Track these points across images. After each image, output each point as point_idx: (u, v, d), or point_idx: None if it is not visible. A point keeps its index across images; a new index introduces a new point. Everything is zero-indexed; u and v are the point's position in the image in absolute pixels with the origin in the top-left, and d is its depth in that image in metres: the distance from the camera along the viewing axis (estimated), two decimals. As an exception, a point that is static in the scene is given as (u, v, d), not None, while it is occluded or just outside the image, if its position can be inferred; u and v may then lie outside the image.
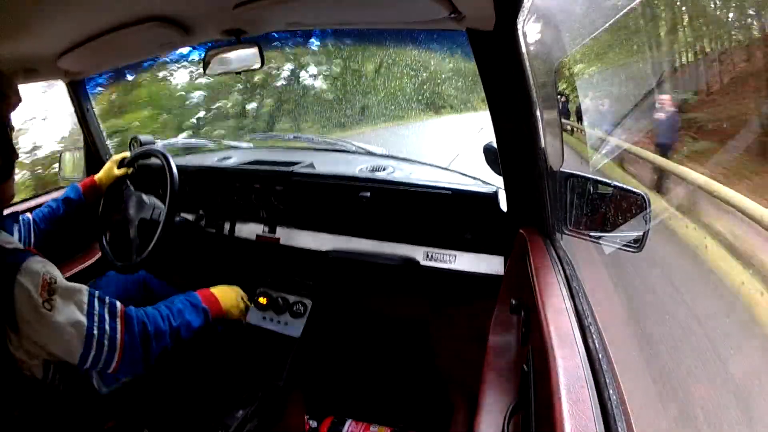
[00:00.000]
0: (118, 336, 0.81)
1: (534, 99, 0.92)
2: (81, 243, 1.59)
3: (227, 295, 1.09)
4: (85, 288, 0.81)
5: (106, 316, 0.81)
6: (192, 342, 1.24)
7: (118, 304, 0.84)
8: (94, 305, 0.80)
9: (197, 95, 4.58)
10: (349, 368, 1.52)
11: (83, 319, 0.77)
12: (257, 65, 1.14)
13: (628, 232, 0.89)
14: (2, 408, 0.79)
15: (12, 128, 0.82)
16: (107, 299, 0.83)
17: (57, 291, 0.76)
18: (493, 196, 1.19)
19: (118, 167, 1.31)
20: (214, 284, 1.27)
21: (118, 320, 0.82)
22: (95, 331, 0.78)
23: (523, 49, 0.87)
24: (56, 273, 0.78)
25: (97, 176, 1.28)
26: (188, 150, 1.89)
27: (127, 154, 1.34)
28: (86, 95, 1.57)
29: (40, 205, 1.37)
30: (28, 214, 1.16)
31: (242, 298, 1.17)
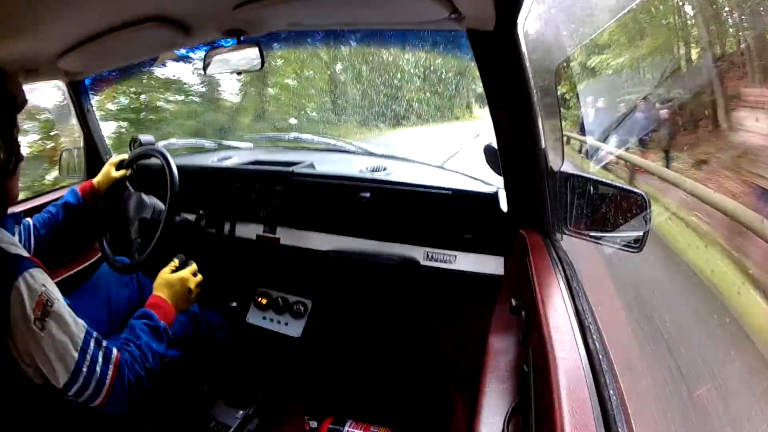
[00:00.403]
0: (108, 381, 0.78)
1: (534, 99, 0.92)
2: (81, 243, 1.59)
3: (173, 291, 1.02)
4: (83, 324, 0.80)
5: (100, 359, 0.78)
6: (193, 343, 1.23)
7: (115, 350, 0.82)
8: (89, 344, 0.78)
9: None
10: (349, 368, 1.52)
11: (75, 354, 0.75)
12: (257, 66, 1.14)
13: (629, 232, 0.89)
14: (2, 408, 0.79)
15: (18, 129, 0.83)
16: (104, 343, 0.81)
17: (51, 315, 0.74)
18: (493, 197, 1.19)
19: (117, 169, 1.30)
20: (214, 284, 1.26)
21: (111, 366, 0.79)
22: (84, 369, 0.76)
23: (524, 50, 0.87)
24: (55, 295, 0.76)
25: (96, 179, 1.28)
26: (188, 150, 1.89)
27: (126, 156, 1.34)
28: (86, 95, 1.57)
29: (39, 207, 1.37)
30: (29, 219, 1.16)
31: (183, 281, 1.05)
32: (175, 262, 1.10)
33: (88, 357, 0.77)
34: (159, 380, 0.92)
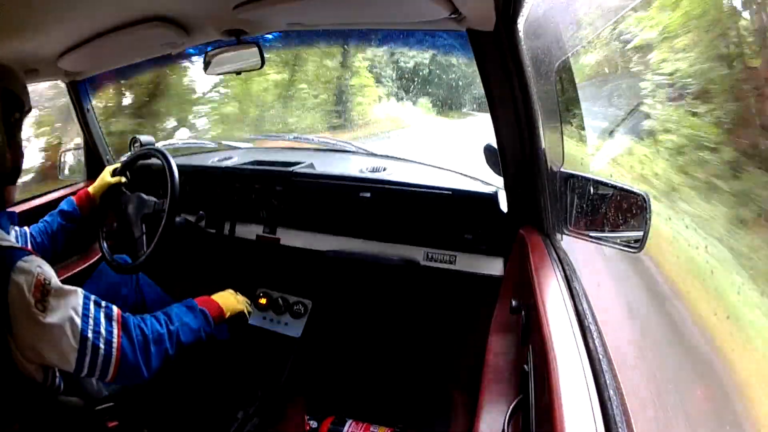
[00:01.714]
0: (115, 340, 0.78)
1: (534, 99, 0.92)
2: (80, 244, 1.59)
3: (224, 296, 1.07)
4: (80, 290, 0.79)
5: (102, 319, 0.78)
6: (194, 345, 1.23)
7: (115, 307, 0.82)
8: (89, 307, 0.78)
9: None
10: (349, 368, 1.52)
11: (78, 320, 0.75)
12: (257, 65, 1.14)
13: (629, 232, 0.89)
14: (2, 409, 0.79)
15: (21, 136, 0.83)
16: (103, 303, 0.81)
17: (50, 292, 0.74)
18: (494, 197, 1.19)
19: (112, 176, 1.30)
20: (214, 284, 1.26)
21: (115, 324, 0.79)
22: (90, 334, 0.76)
23: (524, 50, 0.87)
24: (51, 274, 0.76)
25: (91, 187, 1.28)
26: (188, 150, 1.90)
27: (118, 164, 1.33)
28: (86, 95, 1.57)
29: (37, 207, 1.37)
30: (26, 228, 1.16)
31: (238, 296, 1.13)
32: None
33: (91, 321, 0.77)
34: (159, 380, 0.91)
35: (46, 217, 1.21)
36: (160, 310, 0.91)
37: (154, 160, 1.28)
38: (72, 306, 0.76)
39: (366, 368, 1.52)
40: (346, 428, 1.31)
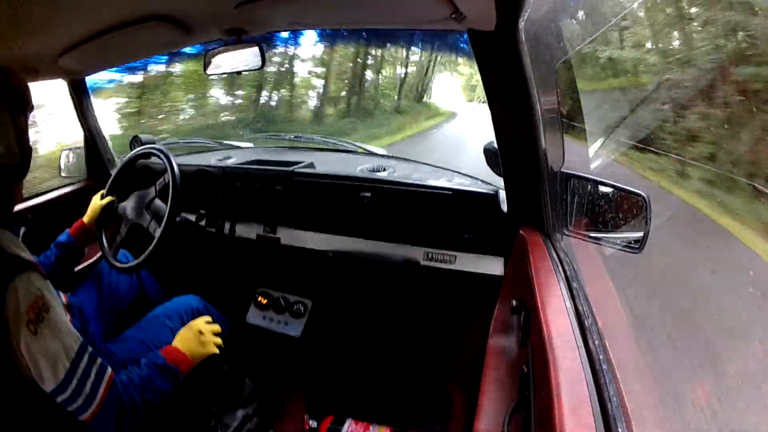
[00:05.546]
0: (98, 398, 0.77)
1: (534, 99, 0.92)
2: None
3: (188, 341, 1.01)
4: (78, 336, 0.78)
5: (92, 374, 0.77)
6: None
7: (109, 369, 0.80)
8: (82, 357, 0.76)
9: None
10: (349, 368, 1.52)
11: (66, 363, 0.74)
12: (258, 65, 1.14)
13: (629, 232, 0.89)
14: (2, 407, 0.79)
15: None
16: (99, 360, 0.79)
17: (45, 321, 0.73)
18: (494, 197, 1.19)
19: (101, 199, 1.30)
20: (214, 284, 1.26)
21: (104, 384, 0.78)
22: (74, 381, 0.75)
23: (524, 50, 0.87)
24: (53, 302, 0.75)
25: (85, 216, 1.27)
26: (188, 149, 1.90)
27: (104, 191, 1.32)
28: (87, 94, 1.57)
29: (40, 205, 1.37)
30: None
31: (201, 331, 1.05)
32: None
33: (80, 370, 0.76)
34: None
35: (46, 251, 1.22)
36: (133, 367, 0.88)
37: (154, 160, 1.28)
38: (64, 347, 0.75)
39: (366, 368, 1.52)
40: (345, 428, 1.31)
